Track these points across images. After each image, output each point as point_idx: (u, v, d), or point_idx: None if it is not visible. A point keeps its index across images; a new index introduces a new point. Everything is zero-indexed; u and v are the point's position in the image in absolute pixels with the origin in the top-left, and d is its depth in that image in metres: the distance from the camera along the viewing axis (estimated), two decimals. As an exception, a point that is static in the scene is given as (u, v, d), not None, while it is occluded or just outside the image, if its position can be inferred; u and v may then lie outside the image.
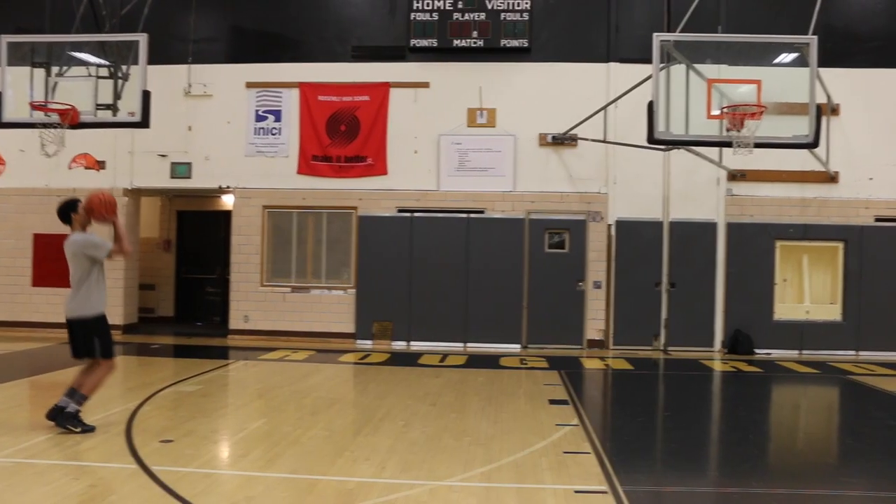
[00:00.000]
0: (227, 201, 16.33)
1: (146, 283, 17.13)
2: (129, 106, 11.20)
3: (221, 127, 15.33)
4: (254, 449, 7.02)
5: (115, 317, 15.21)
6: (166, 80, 14.75)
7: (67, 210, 7.46)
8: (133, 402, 8.75)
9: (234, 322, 15.28)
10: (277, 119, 15.30)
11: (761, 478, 6.69)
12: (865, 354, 14.49)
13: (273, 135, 15.30)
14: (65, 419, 7.23)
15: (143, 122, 11.21)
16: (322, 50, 15.39)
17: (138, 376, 11.07)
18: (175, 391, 9.77)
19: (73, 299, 7.35)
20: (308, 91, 15.21)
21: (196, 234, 18.03)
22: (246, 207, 15.31)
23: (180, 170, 15.37)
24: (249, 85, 15.34)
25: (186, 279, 17.95)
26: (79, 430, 7.21)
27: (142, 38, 11.03)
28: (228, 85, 15.34)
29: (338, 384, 11.05)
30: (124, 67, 11.40)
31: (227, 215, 16.08)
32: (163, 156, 15.33)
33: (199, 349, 14.18)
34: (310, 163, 15.21)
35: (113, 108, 11.39)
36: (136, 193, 15.75)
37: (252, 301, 15.21)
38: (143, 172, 15.46)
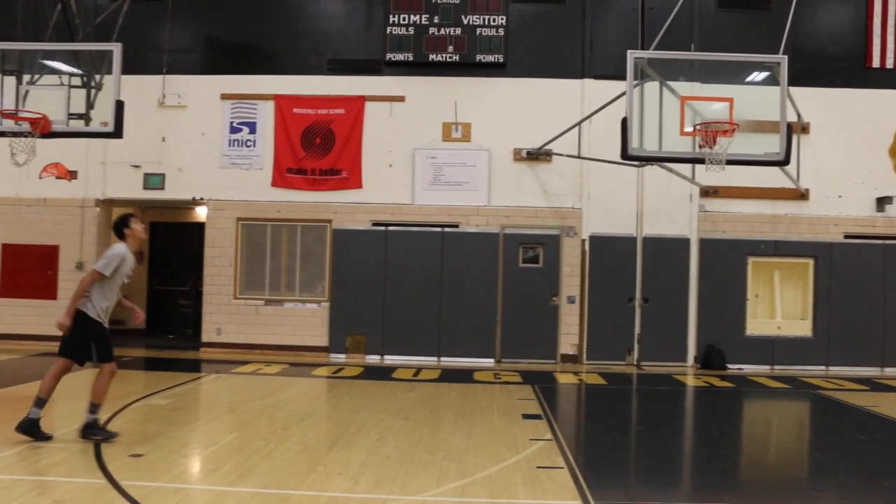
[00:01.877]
0: (201, 213, 16.22)
1: (117, 295, 16.91)
2: (102, 116, 11.06)
3: (196, 138, 15.24)
4: (225, 463, 6.94)
5: (85, 329, 15.05)
6: (140, 90, 14.66)
7: (120, 226, 7.76)
8: (102, 415, 8.62)
9: (207, 335, 15.15)
10: (252, 131, 15.24)
11: (733, 492, 6.72)
12: (835, 370, 14.66)
13: (248, 147, 15.23)
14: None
15: (117, 133, 11.07)
16: (298, 62, 15.37)
17: (109, 389, 10.89)
18: (146, 404, 9.66)
19: None
20: (283, 103, 15.18)
21: (169, 246, 17.87)
22: (220, 219, 15.22)
23: (153, 181, 15.25)
24: (224, 96, 15.28)
25: (159, 291, 17.77)
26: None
27: (116, 48, 10.91)
28: (203, 96, 15.27)
29: (311, 398, 10.97)
30: (98, 77, 11.26)
31: (200, 227, 15.97)
32: (136, 166, 15.21)
33: (171, 362, 14.02)
34: (284, 175, 15.16)
35: (85, 117, 11.25)
36: (108, 204, 15.59)
37: (225, 314, 15.10)
38: (116, 183, 15.32)
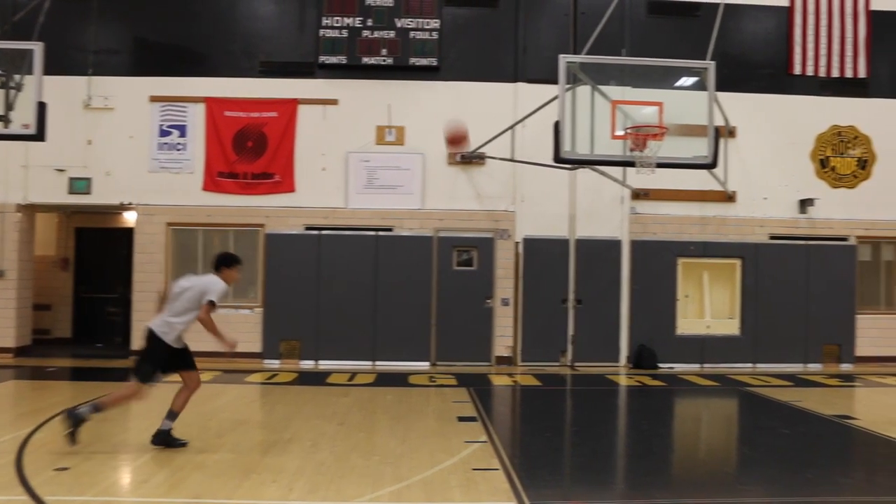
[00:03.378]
0: (130, 218, 15.83)
1: (41, 302, 16.40)
2: (24, 118, 10.77)
3: (123, 141, 14.89)
4: (156, 474, 6.79)
5: (6, 339, 14.62)
6: (65, 91, 14.27)
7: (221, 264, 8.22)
8: (25, 428, 8.38)
9: (137, 343, 14.78)
10: (182, 134, 14.96)
11: (665, 488, 6.84)
12: (761, 367, 15.05)
13: (178, 150, 14.95)
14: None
15: (39, 135, 10.79)
16: (229, 64, 15.14)
17: (31, 401, 10.63)
18: (71, 415, 9.37)
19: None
20: (214, 106, 14.94)
21: (96, 252, 17.43)
22: (149, 224, 14.89)
23: (79, 185, 14.84)
24: (153, 99, 14.96)
25: (85, 299, 17.31)
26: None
27: (37, 47, 10.62)
28: (131, 98, 14.92)
29: (244, 405, 10.81)
30: (17, 77, 10.94)
31: (129, 232, 15.56)
32: (60, 170, 14.77)
33: (99, 371, 13.65)
34: (215, 179, 14.92)
35: (5, 119, 10.93)
36: (30, 209, 15.14)
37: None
38: (39, 187, 14.86)
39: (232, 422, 9.25)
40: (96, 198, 14.94)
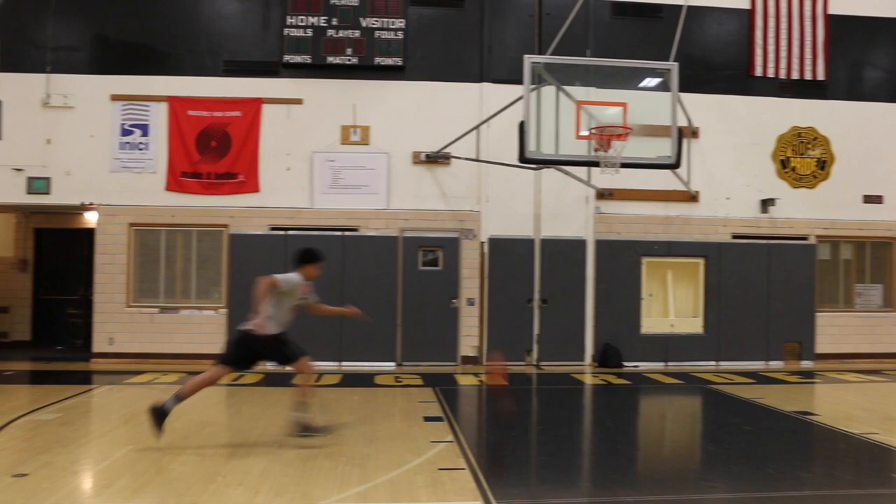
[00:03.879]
0: (91, 218, 15.62)
1: (-1, 305, 16.20)
2: (-20, 117, 10.56)
3: (84, 140, 14.68)
4: (119, 478, 6.69)
5: (-35, 341, 14.33)
6: (22, 89, 14.09)
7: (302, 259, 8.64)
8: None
9: (98, 345, 14.60)
10: (145, 133, 14.78)
11: (631, 486, 6.89)
12: (725, 364, 15.24)
13: (140, 150, 14.77)
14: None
15: (-4, 135, 10.60)
16: (192, 63, 14.99)
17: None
18: (31, 420, 9.23)
19: None
20: (177, 105, 14.78)
21: (56, 253, 17.18)
22: (111, 225, 14.69)
23: (38, 185, 14.58)
24: (115, 97, 14.76)
25: (45, 301, 17.04)
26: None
27: (-6, 46, 10.45)
28: (91, 96, 14.70)
29: (209, 407, 10.68)
30: (-26, 75, 10.75)
31: (90, 233, 15.36)
32: (18, 170, 14.52)
33: (59, 374, 13.46)
34: (179, 179, 14.76)
35: (-39, 118, 10.73)
36: (-12, 210, 14.90)
37: (117, 322, 14.58)
38: (-4, 187, 14.63)
39: (197, 424, 9.15)
40: (56, 198, 14.70)
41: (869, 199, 16.23)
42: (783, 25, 16.01)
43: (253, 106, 14.89)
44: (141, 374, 13.08)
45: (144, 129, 14.77)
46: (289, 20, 14.78)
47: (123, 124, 14.76)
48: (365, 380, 12.97)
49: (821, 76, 16.09)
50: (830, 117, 16.14)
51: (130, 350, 14.52)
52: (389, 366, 14.63)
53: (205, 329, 14.67)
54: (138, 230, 14.77)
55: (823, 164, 16.13)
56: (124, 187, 14.71)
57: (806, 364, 15.53)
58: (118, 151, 14.74)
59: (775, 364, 15.43)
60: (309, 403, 8.24)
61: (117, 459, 7.39)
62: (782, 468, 7.46)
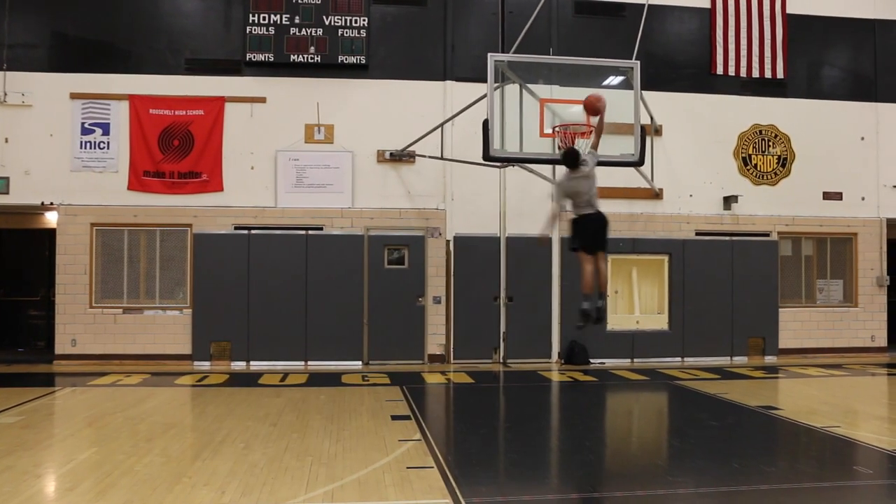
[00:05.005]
0: (52, 218, 15.35)
1: (-43, 307, 15.87)
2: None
3: (43, 139, 14.44)
4: (83, 481, 6.59)
5: (-78, 345, 14.03)
6: (-22, 88, 13.80)
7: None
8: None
9: (61, 346, 14.38)
10: (106, 132, 14.57)
11: (598, 482, 6.93)
12: (690, 360, 15.40)
13: (101, 149, 14.56)
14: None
15: (-48, 134, 10.39)
16: (154, 61, 14.81)
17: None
18: (-9, 423, 9.07)
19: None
20: (138, 104, 14.60)
21: (16, 254, 16.86)
22: (72, 225, 14.46)
23: (-4, 185, 14.35)
24: (74, 96, 14.54)
25: (5, 302, 16.72)
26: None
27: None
28: (50, 95, 14.46)
29: (174, 408, 10.59)
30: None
31: (51, 233, 15.12)
32: (-24, 170, 14.28)
33: (20, 377, 13.22)
34: (141, 178, 14.58)
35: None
36: (-55, 211, 14.60)
37: (80, 324, 14.37)
38: (-47, 188, 14.34)
39: (162, 425, 9.05)
40: (15, 198, 14.44)
41: (828, 196, 16.48)
42: (743, 24, 16.20)
43: (216, 104, 14.75)
44: (104, 376, 12.91)
45: (105, 128, 14.56)
46: (251, 18, 14.66)
47: (84, 123, 14.54)
48: (332, 379, 12.92)
49: (780, 74, 16.31)
50: (790, 115, 16.38)
51: (93, 351, 14.33)
52: (356, 365, 14.58)
53: (169, 329, 14.52)
54: (100, 230, 14.57)
55: (784, 162, 16.35)
56: (85, 187, 14.49)
57: (769, 359, 15.74)
58: (79, 150, 14.52)
59: (739, 359, 15.61)
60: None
61: (81, 462, 7.29)
62: (747, 462, 7.55)
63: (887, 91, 16.80)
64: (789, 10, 16.35)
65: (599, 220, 9.54)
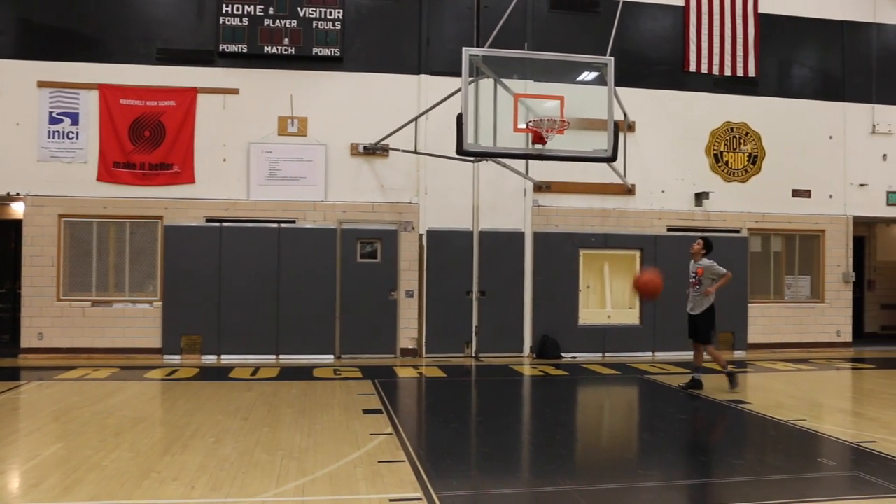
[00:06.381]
0: (18, 209, 15.13)
1: (-80, 299, 15.59)
2: None
3: (9, 129, 14.22)
4: (48, 477, 6.49)
5: None
6: (-58, 76, 13.55)
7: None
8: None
9: (27, 340, 14.18)
10: (74, 122, 14.38)
11: (569, 475, 6.95)
12: (660, 355, 15.52)
13: (70, 139, 14.36)
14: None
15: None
16: (124, 50, 14.62)
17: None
18: (-45, 416, 8.93)
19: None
20: (109, 93, 14.42)
21: (-20, 246, 16.62)
22: (39, 216, 14.27)
23: (-38, 175, 14.11)
24: (42, 84, 14.32)
25: (-31, 295, 16.48)
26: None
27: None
28: (16, 83, 14.24)
29: (144, 402, 10.48)
30: None
31: (17, 224, 14.90)
32: (-59, 159, 14.04)
33: (-15, 370, 13.05)
34: (111, 170, 14.41)
35: None
36: None
37: (47, 317, 14.19)
38: (-83, 177, 14.08)
39: (131, 420, 8.95)
40: (-20, 188, 14.25)
41: (797, 193, 16.69)
42: (716, 23, 16.32)
43: (188, 95, 14.61)
44: (72, 370, 12.76)
45: (74, 118, 14.37)
46: (224, 8, 14.53)
47: (52, 112, 14.34)
48: (303, 373, 12.87)
49: (752, 73, 16.47)
50: (761, 113, 16.55)
51: (61, 345, 14.16)
52: (328, 358, 14.54)
53: (139, 323, 14.38)
54: (69, 221, 14.38)
55: (755, 159, 16.52)
56: (53, 177, 14.30)
57: (738, 353, 15.91)
58: (46, 140, 14.32)
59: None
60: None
61: (47, 457, 7.18)
62: (715, 455, 7.62)
63: (854, 91, 17.05)
64: (761, 10, 16.50)
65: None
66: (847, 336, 16.93)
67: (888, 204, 17.17)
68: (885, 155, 17.12)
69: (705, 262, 11.27)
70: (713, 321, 11.47)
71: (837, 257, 16.92)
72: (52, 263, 14.25)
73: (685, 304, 14.72)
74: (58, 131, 14.34)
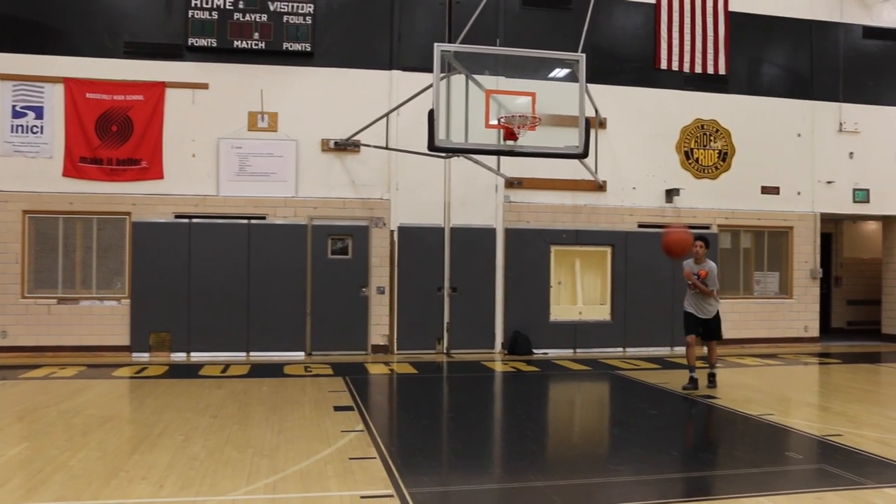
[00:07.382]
0: (-19, 205, 14.86)
1: None
2: None
3: (-27, 123, 13.97)
4: (12, 478, 6.36)
5: None
6: None
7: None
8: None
9: (-10, 338, 13.98)
10: (39, 116, 14.14)
11: (540, 471, 6.94)
12: (631, 350, 15.59)
13: (34, 133, 14.13)
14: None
15: None
16: (91, 44, 14.40)
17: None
18: (-85, 416, 8.75)
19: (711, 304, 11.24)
20: (74, 87, 14.21)
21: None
22: (3, 212, 14.02)
23: (-77, 170, 13.83)
24: (4, 77, 14.05)
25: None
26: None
27: None
28: (-21, 77, 14.01)
29: (111, 400, 10.33)
30: None
31: (-20, 220, 14.64)
32: None
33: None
34: (77, 165, 14.20)
35: None
36: None
37: (11, 314, 13.96)
38: None
39: (98, 418, 8.81)
40: (-58, 183, 13.98)
41: (766, 190, 16.84)
42: (686, 21, 16.42)
43: (156, 90, 14.44)
44: (37, 368, 12.56)
45: (38, 112, 14.13)
46: (193, 2, 14.36)
47: (15, 106, 14.09)
48: (274, 370, 12.77)
49: (722, 70, 16.58)
50: (731, 110, 16.68)
51: (26, 343, 13.93)
52: (299, 355, 14.45)
53: (106, 321, 14.19)
54: (34, 218, 14.16)
55: (725, 156, 16.64)
56: (17, 172, 14.05)
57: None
58: (9, 134, 14.07)
59: (680, 350, 15.76)
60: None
61: (11, 458, 7.04)
62: (686, 450, 7.65)
63: (822, 90, 17.24)
64: (732, 8, 16.62)
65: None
66: (815, 331, 17.14)
67: (855, 201, 17.40)
68: (851, 153, 17.33)
69: (710, 265, 11.16)
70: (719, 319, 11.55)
71: (805, 254, 17.10)
72: (16, 260, 14.02)
73: (655, 300, 15.00)
74: (21, 125, 14.10)
